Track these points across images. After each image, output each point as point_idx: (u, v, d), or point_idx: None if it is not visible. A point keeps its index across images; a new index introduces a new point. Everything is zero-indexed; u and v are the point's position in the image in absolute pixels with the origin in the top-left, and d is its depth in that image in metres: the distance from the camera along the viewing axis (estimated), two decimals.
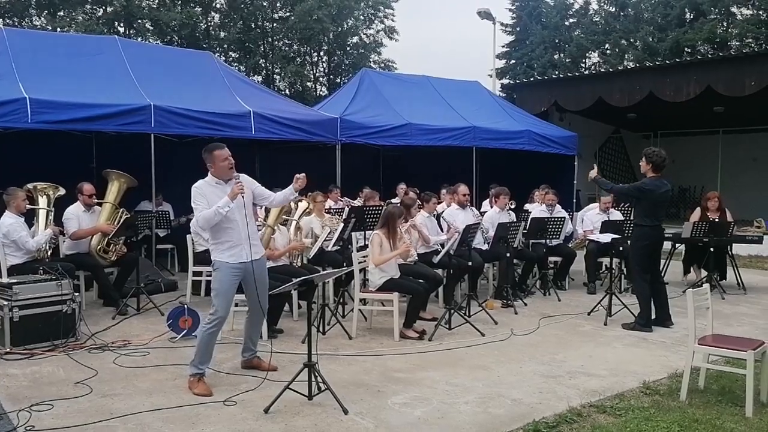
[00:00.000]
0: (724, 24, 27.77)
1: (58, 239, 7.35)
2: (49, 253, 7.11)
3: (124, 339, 6.12)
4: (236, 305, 6.01)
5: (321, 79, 34.01)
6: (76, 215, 7.38)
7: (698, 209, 9.64)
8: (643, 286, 6.80)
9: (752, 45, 25.30)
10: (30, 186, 7.19)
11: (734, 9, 27.12)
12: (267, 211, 7.12)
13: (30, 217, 7.15)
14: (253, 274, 4.88)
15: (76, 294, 6.17)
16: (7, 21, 25.73)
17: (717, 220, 9.16)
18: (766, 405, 4.53)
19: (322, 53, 33.43)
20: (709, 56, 20.77)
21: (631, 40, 29.85)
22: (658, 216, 6.82)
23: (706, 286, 5.06)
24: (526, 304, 8.03)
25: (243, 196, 4.78)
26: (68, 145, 9.89)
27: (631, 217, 9.27)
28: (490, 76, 26.18)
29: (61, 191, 7.40)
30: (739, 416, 4.29)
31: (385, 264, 6.46)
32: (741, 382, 4.60)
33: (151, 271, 8.68)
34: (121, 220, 7.51)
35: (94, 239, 7.55)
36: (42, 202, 7.21)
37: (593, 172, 7.30)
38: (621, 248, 8.03)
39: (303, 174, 5.11)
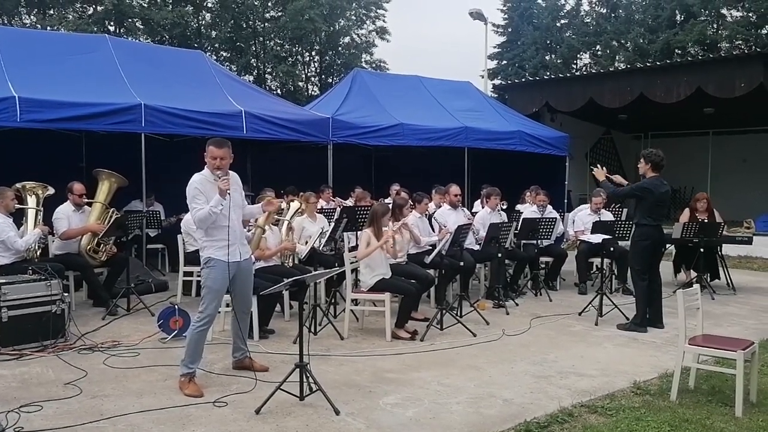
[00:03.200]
0: (714, 26, 27.90)
1: (48, 239, 7.30)
2: (38, 253, 7.06)
3: (114, 339, 6.08)
4: (227, 305, 5.99)
5: (312, 79, 33.95)
6: (66, 215, 7.34)
7: (687, 210, 9.68)
8: (642, 286, 6.79)
9: (742, 47, 25.45)
10: (19, 185, 7.14)
11: (724, 11, 27.25)
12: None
13: (19, 217, 7.10)
14: (242, 273, 4.94)
15: (66, 294, 6.13)
16: None
17: (706, 220, 9.21)
18: (755, 405, 4.55)
19: (313, 53, 33.36)
20: (700, 58, 20.89)
21: (622, 41, 29.96)
22: (659, 216, 6.83)
23: (697, 286, 5.08)
24: (517, 305, 8.05)
25: (231, 194, 4.80)
26: (58, 144, 9.82)
27: (622, 218, 9.30)
28: (482, 76, 26.20)
29: (51, 191, 7.35)
30: (728, 416, 4.31)
31: (376, 263, 6.45)
32: (731, 382, 4.62)
33: (142, 272, 8.64)
34: (112, 220, 7.47)
35: (84, 239, 7.51)
36: (31, 201, 7.16)
37: (600, 174, 7.26)
38: (612, 248, 8.05)
39: (278, 202, 5.37)
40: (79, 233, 7.43)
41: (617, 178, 7.35)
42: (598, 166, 7.44)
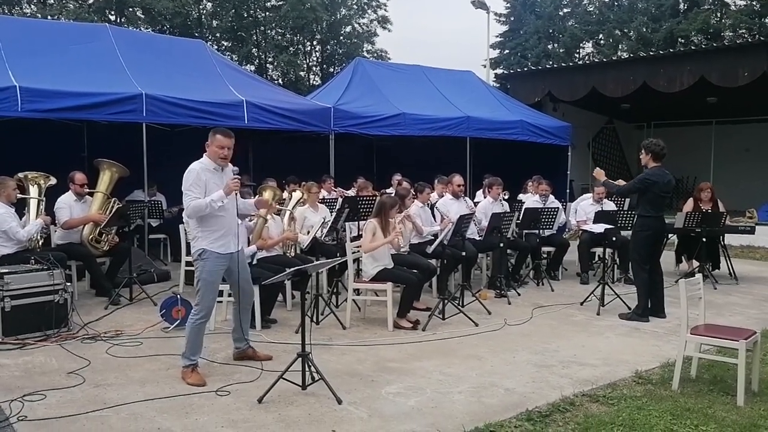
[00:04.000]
0: (718, 14, 27.77)
1: (50, 229, 7.31)
2: (40, 243, 7.06)
3: (116, 329, 6.10)
4: (229, 295, 6.01)
5: (314, 68, 33.88)
6: (67, 204, 7.34)
7: (691, 200, 9.67)
8: (643, 276, 6.80)
9: (745, 35, 25.32)
10: (21, 175, 7.14)
11: None
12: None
13: (21, 207, 7.10)
14: (238, 264, 4.93)
15: (68, 284, 6.15)
16: None
17: (709, 210, 9.20)
18: (757, 394, 4.56)
19: (315, 42, 33.27)
20: (703, 47, 20.75)
21: (625, 30, 29.84)
22: (661, 207, 6.83)
23: (699, 276, 5.08)
24: (519, 294, 8.05)
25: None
26: (59, 133, 9.82)
27: (625, 208, 9.29)
28: (484, 66, 26.15)
29: (52, 180, 7.35)
30: (730, 405, 4.31)
31: (378, 253, 6.45)
32: (732, 371, 4.63)
33: (144, 261, 8.65)
34: (113, 210, 7.47)
35: (86, 229, 7.51)
36: (33, 191, 7.16)
37: (600, 174, 7.28)
38: (614, 238, 8.04)
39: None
40: (80, 223, 7.43)
41: (619, 182, 7.36)
42: (596, 169, 7.47)
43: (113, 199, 7.69)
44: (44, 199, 7.21)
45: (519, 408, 4.25)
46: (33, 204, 7.13)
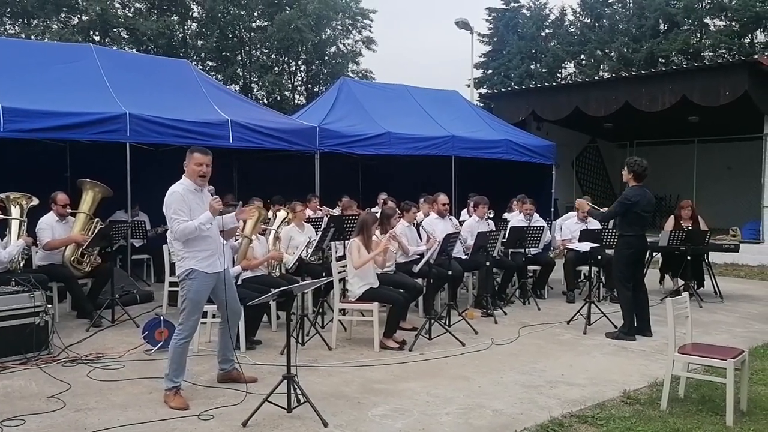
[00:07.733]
0: (698, 35, 28.17)
1: (31, 250, 7.21)
2: (21, 264, 6.96)
3: (98, 352, 6.00)
4: (213, 316, 5.95)
5: (299, 88, 33.93)
6: (49, 225, 7.26)
7: (672, 218, 9.73)
8: (626, 295, 6.82)
9: (725, 55, 25.69)
10: (2, 195, 7.06)
11: (707, 20, 27.52)
12: (244, 221, 7.04)
13: (2, 228, 7.01)
14: (224, 283, 4.89)
15: (49, 306, 6.04)
16: None
17: (690, 228, 9.25)
18: (746, 414, 4.55)
19: (300, 62, 33.36)
20: (684, 66, 21.01)
21: (607, 50, 30.17)
22: (643, 226, 6.87)
23: (685, 294, 5.08)
24: (505, 314, 8.03)
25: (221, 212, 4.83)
26: (42, 154, 9.73)
27: (609, 227, 9.33)
28: (468, 85, 26.35)
29: (35, 201, 7.27)
30: (719, 425, 4.30)
31: (364, 273, 6.42)
32: (721, 390, 4.62)
33: (127, 282, 8.54)
34: (96, 231, 7.39)
35: (68, 250, 7.42)
36: (15, 212, 7.07)
37: (583, 205, 7.42)
38: (599, 257, 8.06)
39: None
40: (62, 244, 7.34)
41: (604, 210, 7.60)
42: (578, 200, 7.72)
43: (96, 219, 7.61)
44: (26, 220, 7.12)
45: (507, 429, 4.22)
46: (15, 225, 7.04)
